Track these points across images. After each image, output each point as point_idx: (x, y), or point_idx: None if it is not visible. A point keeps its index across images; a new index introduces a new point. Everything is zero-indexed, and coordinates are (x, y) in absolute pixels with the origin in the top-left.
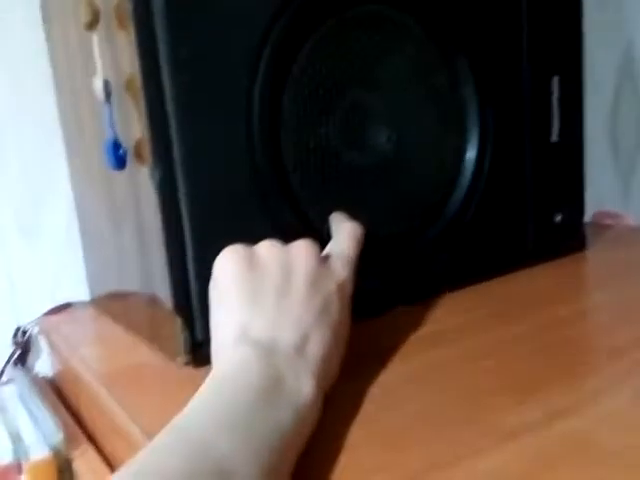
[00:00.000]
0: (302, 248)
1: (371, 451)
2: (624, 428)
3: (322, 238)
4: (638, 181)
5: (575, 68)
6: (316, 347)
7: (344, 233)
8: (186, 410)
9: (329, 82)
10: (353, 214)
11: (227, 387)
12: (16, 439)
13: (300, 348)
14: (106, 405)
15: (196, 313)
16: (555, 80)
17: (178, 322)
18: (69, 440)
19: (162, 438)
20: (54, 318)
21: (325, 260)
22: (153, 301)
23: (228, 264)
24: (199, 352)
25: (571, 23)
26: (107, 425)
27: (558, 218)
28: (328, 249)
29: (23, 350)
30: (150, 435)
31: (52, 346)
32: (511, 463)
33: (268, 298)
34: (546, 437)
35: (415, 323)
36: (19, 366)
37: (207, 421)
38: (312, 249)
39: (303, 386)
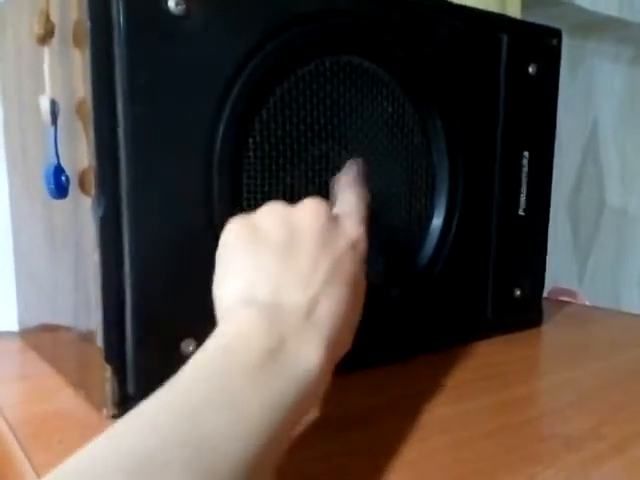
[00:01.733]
0: (309, 206)
1: None
2: None
3: None
4: (593, 262)
5: (546, 146)
6: (327, 311)
7: (352, 194)
8: (174, 378)
9: (298, 130)
10: None
11: (224, 353)
12: None
13: (309, 312)
14: (13, 456)
15: (130, 362)
16: (526, 155)
17: (108, 370)
18: None
19: (132, 418)
20: None
21: (335, 219)
22: (84, 341)
23: (229, 234)
24: (129, 405)
25: (546, 101)
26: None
27: (518, 292)
28: (336, 209)
29: None
30: None
31: None
32: None
33: (273, 259)
34: None
35: (363, 392)
36: None
37: (193, 398)
38: (321, 206)
39: (310, 354)
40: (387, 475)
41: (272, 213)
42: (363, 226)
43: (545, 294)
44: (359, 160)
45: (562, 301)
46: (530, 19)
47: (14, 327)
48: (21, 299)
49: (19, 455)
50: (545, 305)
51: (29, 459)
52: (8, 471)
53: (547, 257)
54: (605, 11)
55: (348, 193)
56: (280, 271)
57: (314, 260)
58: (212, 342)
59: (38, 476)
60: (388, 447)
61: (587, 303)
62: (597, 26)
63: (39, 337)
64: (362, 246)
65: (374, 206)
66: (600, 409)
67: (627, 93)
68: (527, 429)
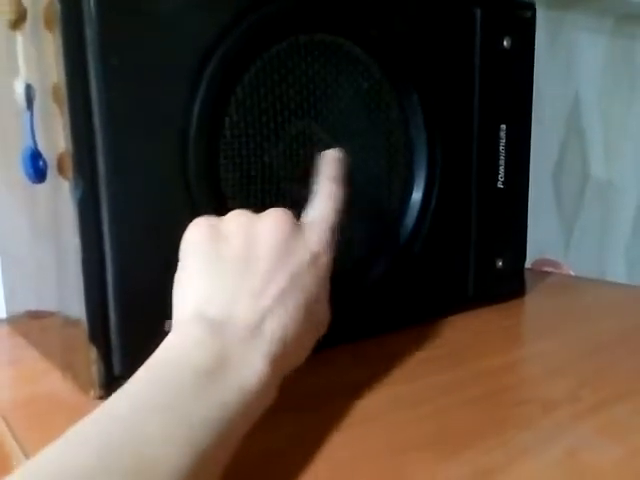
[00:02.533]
0: (272, 216)
1: None
2: None
3: None
4: (579, 233)
5: (523, 118)
6: (276, 325)
7: (323, 195)
8: (117, 392)
9: (275, 108)
10: None
11: (167, 366)
12: None
13: (256, 326)
14: (3, 439)
15: (114, 343)
16: (503, 128)
17: (93, 352)
18: None
19: (81, 424)
20: None
21: (299, 230)
22: (70, 325)
23: (191, 235)
24: (115, 386)
25: (522, 74)
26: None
27: (499, 263)
28: (307, 215)
29: None
30: None
31: None
32: None
33: (229, 270)
34: None
35: (349, 366)
36: None
37: (137, 402)
38: (283, 217)
39: (253, 368)
40: (366, 442)
41: (236, 221)
42: (329, 237)
43: (529, 265)
44: (343, 154)
45: (546, 272)
46: None
47: (2, 314)
48: (7, 286)
49: (7, 437)
50: (529, 276)
51: (17, 440)
52: None
53: (532, 229)
54: None
55: (324, 196)
56: (235, 284)
57: (270, 274)
58: (160, 354)
59: (26, 457)
60: (368, 416)
61: (571, 273)
62: None
63: (26, 323)
64: (324, 260)
65: (354, 183)
66: (577, 374)
67: (608, 64)
68: (505, 395)
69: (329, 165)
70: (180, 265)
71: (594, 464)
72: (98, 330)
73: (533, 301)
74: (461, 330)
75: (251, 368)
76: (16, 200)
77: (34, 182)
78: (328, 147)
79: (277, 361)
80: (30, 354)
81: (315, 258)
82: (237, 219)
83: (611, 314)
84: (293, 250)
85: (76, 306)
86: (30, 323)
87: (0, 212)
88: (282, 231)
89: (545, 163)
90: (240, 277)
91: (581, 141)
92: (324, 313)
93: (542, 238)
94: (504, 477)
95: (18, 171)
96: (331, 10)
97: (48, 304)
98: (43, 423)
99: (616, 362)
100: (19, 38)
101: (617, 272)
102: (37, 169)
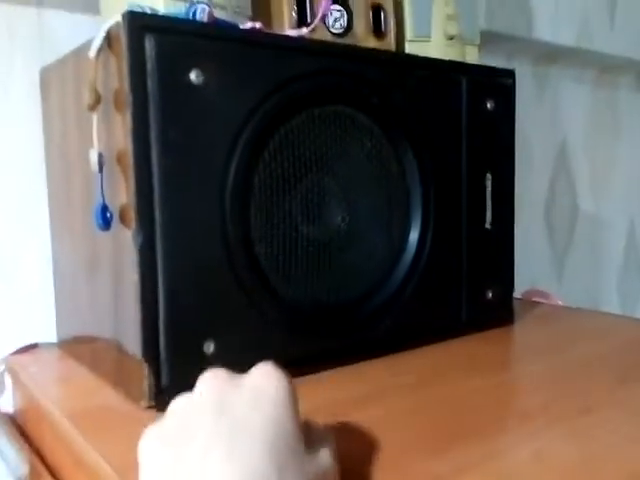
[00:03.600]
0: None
1: None
2: None
3: (280, 300)
4: (571, 264)
5: (507, 168)
6: None
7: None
8: None
9: (294, 166)
10: (307, 282)
11: None
12: None
13: None
14: (72, 441)
15: (163, 360)
16: (489, 176)
17: (146, 368)
18: (33, 474)
19: None
20: (21, 357)
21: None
22: (121, 349)
23: (145, 445)
24: (163, 396)
25: (505, 131)
26: (71, 461)
27: (489, 294)
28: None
29: None
30: (116, 468)
31: (17, 383)
32: None
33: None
34: None
35: (349, 383)
36: None
37: None
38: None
39: None
40: (363, 449)
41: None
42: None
43: (520, 296)
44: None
45: (535, 302)
46: (492, 55)
47: (52, 338)
48: (60, 315)
49: (76, 438)
50: (519, 305)
51: (85, 439)
52: (61, 452)
53: (525, 263)
54: (564, 42)
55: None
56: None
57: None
58: None
59: (99, 453)
60: (367, 426)
61: (560, 303)
62: (559, 54)
63: (77, 347)
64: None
65: (361, 227)
66: (553, 392)
67: (593, 111)
68: (488, 409)
69: None
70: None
71: (556, 465)
72: (150, 349)
73: (521, 328)
74: (453, 354)
75: None
76: (74, 244)
77: (103, 230)
78: (337, 197)
79: None
80: (83, 373)
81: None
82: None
83: (592, 339)
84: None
85: (131, 331)
86: (81, 347)
87: (58, 255)
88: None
89: (536, 201)
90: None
91: (569, 180)
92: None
93: (535, 271)
94: (479, 473)
95: (79, 222)
96: (340, 86)
97: (100, 330)
98: (104, 426)
99: (588, 381)
100: (94, 118)
101: (610, 304)
102: (105, 220)
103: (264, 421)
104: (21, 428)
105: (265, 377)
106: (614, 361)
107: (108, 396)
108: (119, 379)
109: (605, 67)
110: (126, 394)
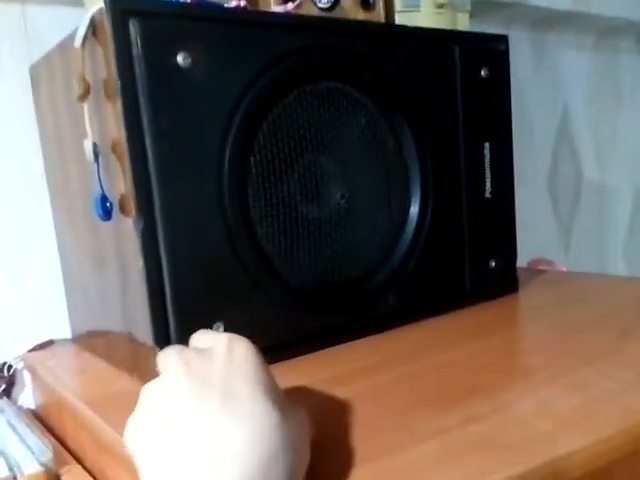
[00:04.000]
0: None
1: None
2: (521, 429)
3: (284, 281)
4: (577, 234)
5: (505, 136)
6: None
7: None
8: None
9: (290, 146)
10: (310, 261)
11: None
12: (10, 458)
13: None
14: (94, 425)
15: (174, 343)
16: (486, 146)
17: (157, 351)
18: (57, 460)
19: None
20: (38, 354)
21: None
22: (133, 336)
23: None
24: None
25: (501, 99)
26: (94, 446)
27: (492, 264)
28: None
29: (9, 384)
30: None
31: (37, 379)
32: (428, 455)
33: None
34: (457, 435)
35: (357, 356)
36: (5, 398)
37: None
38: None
39: None
40: (375, 410)
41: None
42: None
43: (525, 265)
44: None
45: (540, 270)
46: (488, 24)
47: (67, 335)
48: (72, 311)
49: (96, 422)
50: (524, 274)
51: (106, 422)
52: (83, 437)
53: (532, 233)
54: (560, 6)
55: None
56: None
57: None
58: None
59: (120, 434)
60: (378, 389)
61: (564, 269)
62: (556, 20)
63: (90, 340)
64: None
65: (360, 204)
66: (555, 348)
67: (593, 77)
68: (495, 366)
69: None
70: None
71: (559, 409)
72: (161, 332)
73: (525, 295)
74: (459, 322)
75: None
76: (77, 238)
77: (104, 220)
78: (335, 176)
79: None
80: (99, 364)
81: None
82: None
83: (594, 299)
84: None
85: (141, 317)
86: (95, 340)
87: (63, 251)
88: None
89: (539, 170)
90: None
91: (572, 147)
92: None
93: (542, 241)
94: (486, 422)
95: (80, 213)
96: (329, 62)
97: (110, 322)
98: (123, 409)
99: (590, 337)
100: (85, 108)
101: (617, 269)
102: (106, 210)
103: (244, 367)
104: (44, 422)
105: (228, 341)
106: (615, 317)
107: (125, 382)
108: (134, 366)
109: (604, 31)
110: (141, 379)
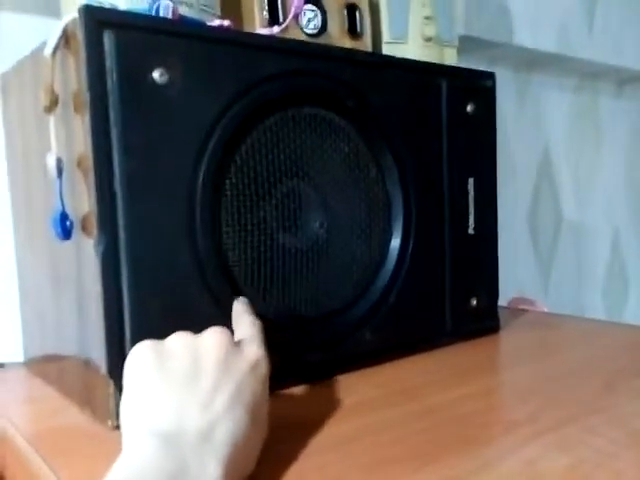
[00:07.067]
0: (212, 335)
1: None
2: None
3: (255, 313)
4: (556, 271)
5: (489, 172)
6: (225, 432)
7: (249, 323)
8: None
9: (268, 170)
10: (285, 293)
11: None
12: None
13: (207, 434)
14: (32, 465)
15: None
16: (470, 181)
17: (111, 386)
18: None
19: None
20: None
21: (237, 344)
22: (87, 366)
23: (136, 359)
24: None
25: (486, 135)
26: None
27: (474, 302)
28: (237, 335)
29: None
30: None
31: None
32: None
33: (176, 386)
34: None
35: (331, 396)
36: None
37: None
38: (223, 335)
39: (209, 473)
40: (352, 458)
41: (180, 342)
42: (263, 348)
43: (506, 304)
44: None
45: (521, 309)
46: (473, 61)
47: (19, 358)
48: (26, 333)
49: (35, 461)
50: (505, 313)
51: (46, 462)
52: (21, 475)
53: (511, 271)
54: (545, 48)
55: (246, 322)
56: (183, 398)
57: (216, 386)
58: (120, 470)
59: (57, 476)
60: (350, 438)
61: (545, 310)
62: (540, 61)
63: (44, 366)
64: (263, 366)
65: (340, 235)
66: (538, 400)
67: (574, 118)
68: (473, 418)
69: (242, 311)
70: (127, 389)
71: (548, 471)
72: (116, 366)
73: (507, 336)
74: (437, 363)
75: (208, 473)
76: (38, 258)
77: (62, 239)
78: (314, 204)
79: (230, 465)
80: (49, 393)
81: (253, 368)
82: (180, 340)
83: (577, 345)
84: (234, 363)
85: (96, 346)
86: (48, 365)
87: (22, 269)
88: (223, 347)
89: (520, 209)
90: (188, 391)
91: (553, 187)
92: (265, 413)
93: (521, 279)
94: None
95: (41, 232)
96: (314, 88)
97: (66, 348)
98: (67, 449)
99: (574, 388)
100: (51, 120)
101: (595, 309)
102: (65, 229)
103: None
104: None
105: (256, 359)
106: (600, 367)
107: (74, 416)
108: (85, 398)
109: (585, 74)
110: (92, 414)
